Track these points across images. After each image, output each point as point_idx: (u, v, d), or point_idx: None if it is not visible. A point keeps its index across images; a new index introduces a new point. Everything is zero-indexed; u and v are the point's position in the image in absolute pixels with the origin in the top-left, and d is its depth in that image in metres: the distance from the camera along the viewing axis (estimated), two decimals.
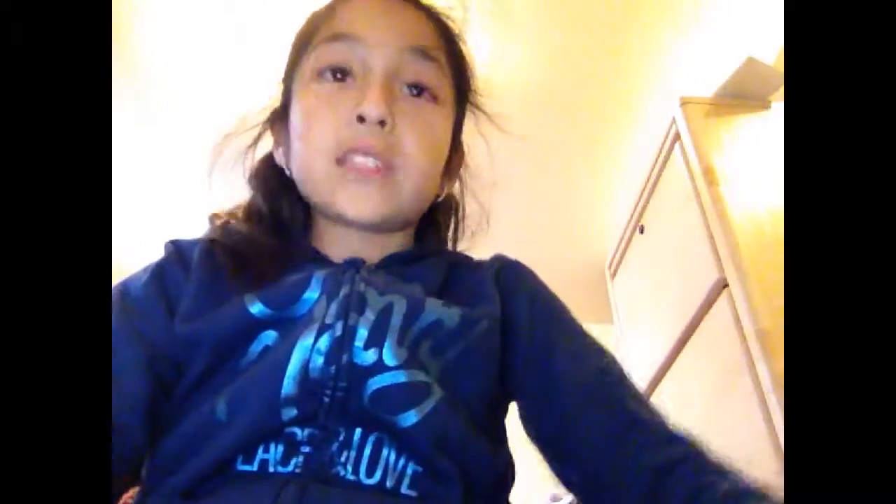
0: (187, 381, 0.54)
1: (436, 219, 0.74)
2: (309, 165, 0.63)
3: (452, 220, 0.76)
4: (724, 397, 1.24)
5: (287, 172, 0.68)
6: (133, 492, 0.60)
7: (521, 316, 0.61)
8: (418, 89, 0.63)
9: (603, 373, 0.57)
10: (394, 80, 0.62)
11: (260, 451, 0.49)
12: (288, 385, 0.50)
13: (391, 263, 0.63)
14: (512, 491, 0.58)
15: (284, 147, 0.69)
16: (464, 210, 0.76)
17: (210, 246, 0.62)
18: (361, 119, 0.60)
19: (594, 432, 0.54)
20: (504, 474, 0.57)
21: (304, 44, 0.67)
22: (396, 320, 0.54)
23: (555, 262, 2.36)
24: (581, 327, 0.63)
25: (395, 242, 0.67)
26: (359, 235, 0.64)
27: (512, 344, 0.60)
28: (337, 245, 0.64)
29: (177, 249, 0.63)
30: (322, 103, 0.62)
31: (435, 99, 0.64)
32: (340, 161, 0.61)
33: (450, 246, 0.76)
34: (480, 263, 0.68)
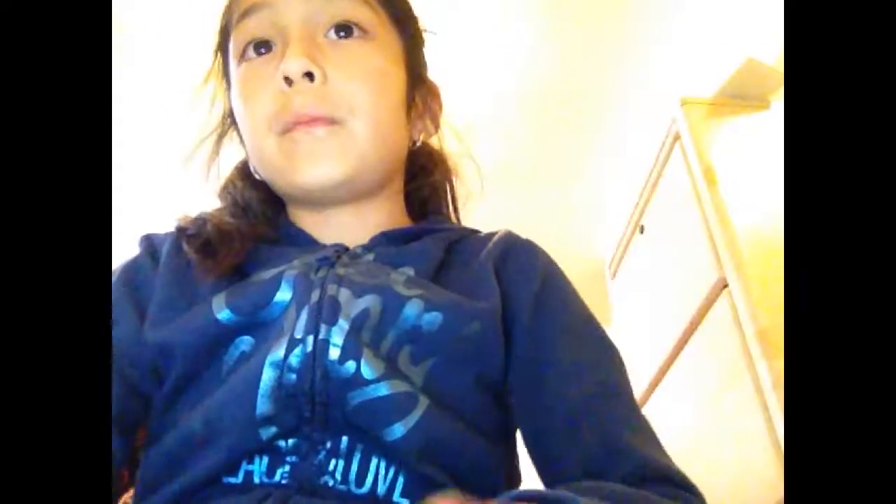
0: (166, 389, 0.52)
1: (433, 190, 0.70)
2: (259, 148, 0.59)
3: (449, 191, 0.71)
4: (724, 397, 1.24)
5: (255, 174, 0.64)
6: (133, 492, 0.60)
7: (523, 315, 0.56)
8: (345, 30, 0.58)
9: (595, 396, 0.52)
10: (313, 30, 0.58)
11: (244, 463, 0.48)
12: (262, 405, 0.47)
13: (381, 243, 0.59)
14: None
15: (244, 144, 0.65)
16: (457, 180, 0.71)
17: (178, 237, 0.58)
18: (288, 80, 0.55)
19: (573, 460, 0.50)
20: (507, 474, 0.54)
21: (224, 36, 0.63)
22: (371, 328, 0.50)
23: None
24: (586, 325, 0.58)
25: (384, 215, 0.63)
26: (338, 211, 0.61)
27: (512, 340, 0.55)
28: (319, 226, 0.61)
29: (149, 245, 0.60)
30: (251, 82, 0.59)
31: (366, 33, 0.59)
32: (286, 132, 0.56)
33: (453, 218, 0.71)
34: (485, 243, 0.61)
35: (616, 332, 1.80)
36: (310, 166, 0.56)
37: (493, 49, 1.72)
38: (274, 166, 0.58)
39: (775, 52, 1.49)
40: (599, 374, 0.54)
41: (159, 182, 1.78)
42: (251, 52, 0.59)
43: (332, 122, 0.56)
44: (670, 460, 0.51)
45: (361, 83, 0.57)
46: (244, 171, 0.66)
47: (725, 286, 1.25)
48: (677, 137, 1.47)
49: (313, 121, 0.56)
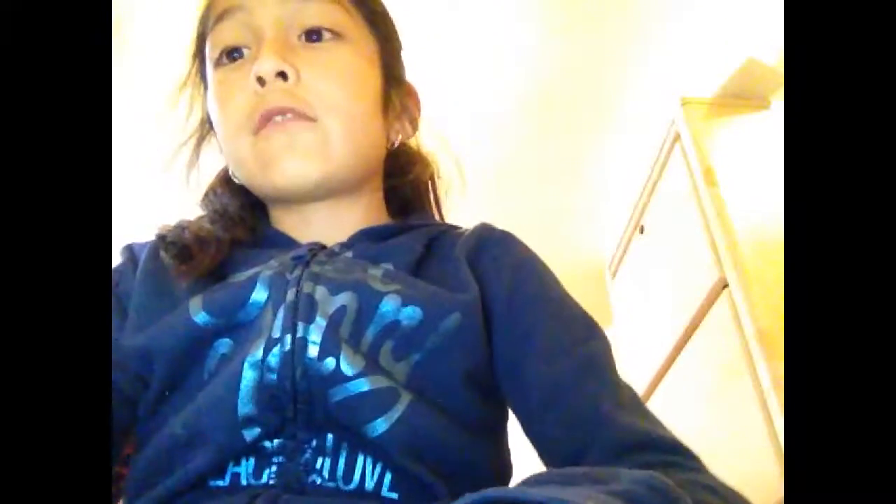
0: (151, 394, 0.52)
1: (413, 188, 0.70)
2: (235, 150, 0.59)
3: (431, 187, 0.71)
4: (724, 397, 1.24)
5: (235, 180, 0.64)
6: None
7: (499, 305, 0.56)
8: (316, 34, 0.59)
9: (575, 371, 0.51)
10: (287, 32, 0.58)
11: (231, 465, 0.48)
12: (244, 406, 0.47)
13: (361, 240, 0.59)
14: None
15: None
16: (438, 179, 0.71)
17: (157, 244, 0.58)
18: (261, 81, 0.56)
19: (559, 437, 0.50)
20: (498, 470, 0.54)
21: (201, 42, 0.64)
22: (350, 325, 0.50)
23: (555, 263, 2.34)
24: (563, 306, 0.57)
25: (361, 214, 0.63)
26: (317, 210, 0.61)
27: (492, 331, 0.55)
28: (299, 227, 0.61)
29: (130, 254, 0.60)
30: (225, 85, 0.59)
31: (338, 36, 0.60)
32: (259, 130, 0.57)
33: (436, 216, 0.71)
34: (462, 236, 0.62)
35: (616, 332, 1.81)
36: (285, 164, 0.56)
37: (494, 49, 1.72)
38: (249, 167, 0.59)
39: (775, 52, 1.49)
40: (578, 351, 0.53)
41: (142, 191, 1.78)
42: (224, 59, 0.60)
43: (305, 118, 0.56)
44: (657, 426, 0.50)
45: (335, 82, 0.58)
46: (225, 178, 0.66)
47: (725, 286, 1.26)
48: (677, 137, 1.47)
49: (286, 112, 0.56)
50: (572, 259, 2.33)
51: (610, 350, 0.55)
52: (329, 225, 0.61)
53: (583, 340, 0.54)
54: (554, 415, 0.50)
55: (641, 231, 1.68)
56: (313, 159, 0.57)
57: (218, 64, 0.61)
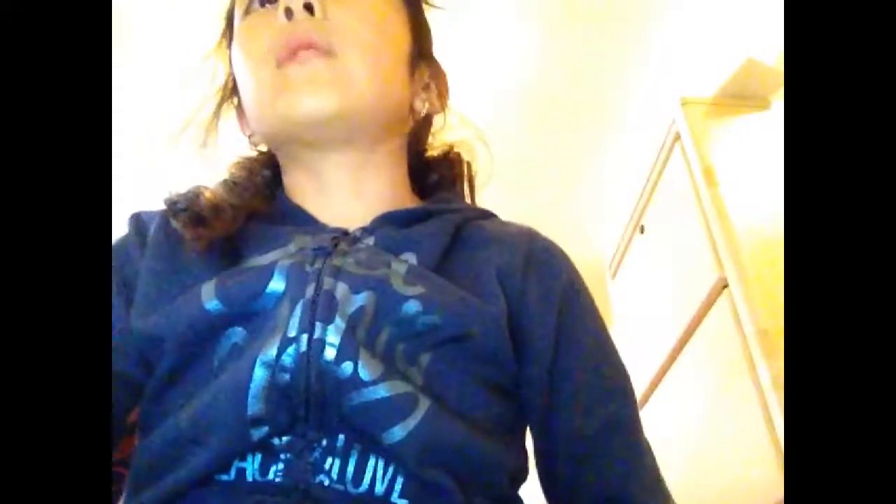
0: (157, 379, 0.50)
1: (441, 164, 0.68)
2: (252, 83, 0.58)
3: (465, 172, 0.69)
4: (724, 397, 1.24)
5: (253, 148, 0.64)
6: None
7: (540, 336, 0.55)
8: None
9: (603, 432, 0.55)
10: None
11: (236, 461, 0.46)
12: (253, 405, 0.45)
13: (383, 225, 0.56)
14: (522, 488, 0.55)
15: (241, 113, 0.65)
16: (469, 165, 0.69)
17: (168, 213, 0.56)
18: (289, 12, 0.56)
19: (576, 496, 0.54)
20: (513, 472, 0.53)
21: (231, 10, 0.64)
22: (366, 327, 0.48)
23: None
24: (604, 354, 0.58)
25: (385, 183, 0.61)
26: (336, 173, 0.59)
27: (525, 357, 0.54)
28: (317, 199, 0.59)
29: (137, 224, 0.58)
30: (252, 28, 0.59)
31: None
32: (281, 63, 0.56)
33: (467, 199, 0.68)
34: (498, 235, 0.59)
35: (616, 332, 1.81)
36: (301, 97, 0.55)
37: (494, 49, 1.72)
38: (264, 99, 0.57)
39: (775, 52, 1.49)
40: (610, 407, 0.56)
41: (157, 169, 1.77)
42: (255, 4, 0.60)
43: (328, 53, 0.56)
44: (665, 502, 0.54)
45: (362, 19, 0.58)
46: (246, 155, 0.66)
47: (725, 286, 1.25)
48: (677, 137, 1.46)
49: (309, 47, 0.55)
50: (572, 259, 2.32)
51: (635, 403, 0.58)
52: (348, 196, 0.59)
53: (614, 397, 0.57)
54: (575, 475, 0.54)
55: (641, 231, 1.68)
56: (331, 93, 0.55)
57: (248, 11, 0.61)
